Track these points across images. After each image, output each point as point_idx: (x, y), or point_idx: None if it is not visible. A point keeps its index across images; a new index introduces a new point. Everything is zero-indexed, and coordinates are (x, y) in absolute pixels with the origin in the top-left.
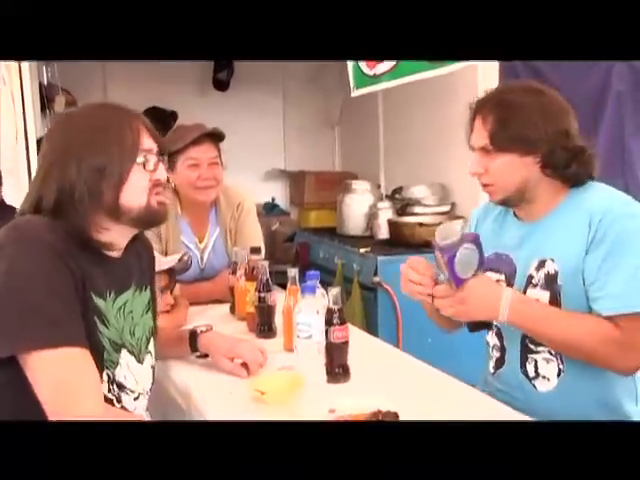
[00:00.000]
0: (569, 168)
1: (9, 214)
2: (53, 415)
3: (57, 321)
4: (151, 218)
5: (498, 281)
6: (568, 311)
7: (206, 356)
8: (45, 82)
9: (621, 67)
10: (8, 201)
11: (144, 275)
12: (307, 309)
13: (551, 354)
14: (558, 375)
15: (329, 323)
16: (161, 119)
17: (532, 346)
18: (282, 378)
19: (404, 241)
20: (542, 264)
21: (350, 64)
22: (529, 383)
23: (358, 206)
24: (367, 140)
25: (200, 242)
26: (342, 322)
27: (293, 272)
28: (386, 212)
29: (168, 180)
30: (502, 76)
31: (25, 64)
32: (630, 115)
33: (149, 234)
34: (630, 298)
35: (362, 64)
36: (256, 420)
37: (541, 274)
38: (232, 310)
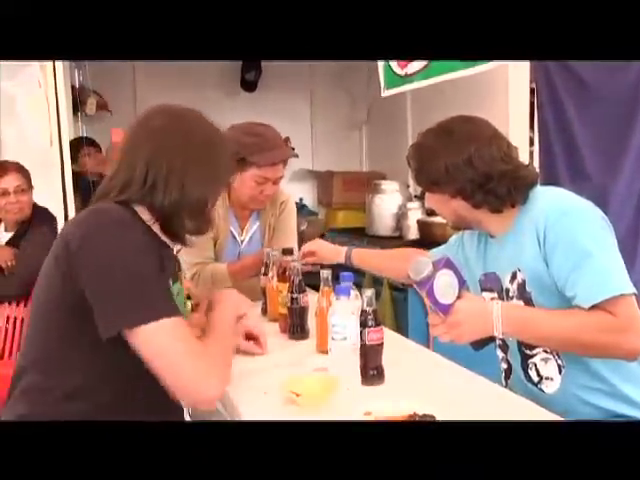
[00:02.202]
0: (485, 195)
1: (41, 216)
2: (171, 379)
3: (156, 297)
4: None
5: (492, 299)
6: (557, 309)
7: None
8: (77, 85)
9: None
10: (40, 203)
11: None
12: (342, 311)
13: (547, 352)
14: (559, 372)
15: (364, 325)
16: None
17: (527, 351)
18: (317, 380)
19: (434, 241)
20: (514, 276)
21: (381, 64)
22: (536, 388)
23: (387, 206)
24: (395, 140)
25: (240, 235)
26: (377, 324)
27: (326, 273)
28: (415, 212)
29: None
30: (533, 77)
31: (59, 67)
32: None
33: None
34: (604, 284)
35: (393, 64)
36: (288, 420)
37: (514, 285)
38: (264, 311)
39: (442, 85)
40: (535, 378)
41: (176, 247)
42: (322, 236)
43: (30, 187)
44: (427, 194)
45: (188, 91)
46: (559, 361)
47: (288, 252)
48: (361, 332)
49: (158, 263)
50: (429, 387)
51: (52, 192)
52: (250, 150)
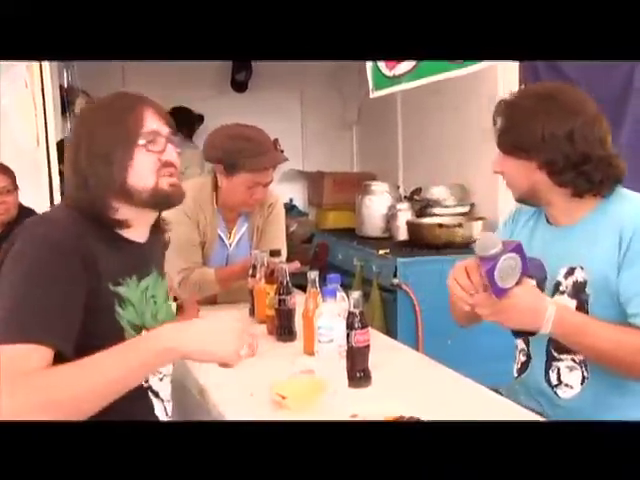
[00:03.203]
0: (576, 175)
1: (27, 217)
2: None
3: (24, 319)
4: (162, 199)
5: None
6: (608, 322)
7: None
8: (65, 85)
9: None
10: (26, 204)
11: (162, 263)
12: (328, 313)
13: (575, 362)
14: (582, 383)
15: (350, 327)
16: (187, 121)
17: (556, 353)
18: (304, 383)
19: (424, 242)
20: (571, 272)
21: (369, 65)
22: (551, 390)
23: (377, 207)
24: (385, 141)
25: (228, 237)
26: (364, 326)
27: (313, 275)
28: (405, 213)
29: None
30: (522, 77)
31: (46, 67)
32: None
33: (188, 223)
34: None
35: (381, 65)
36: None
37: (569, 282)
38: (251, 312)
39: (432, 86)
40: (554, 381)
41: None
42: (312, 237)
43: (16, 188)
44: (503, 156)
45: (178, 92)
46: (585, 373)
47: (276, 254)
48: (348, 334)
49: (66, 280)
50: (416, 389)
51: (39, 193)
52: (240, 155)
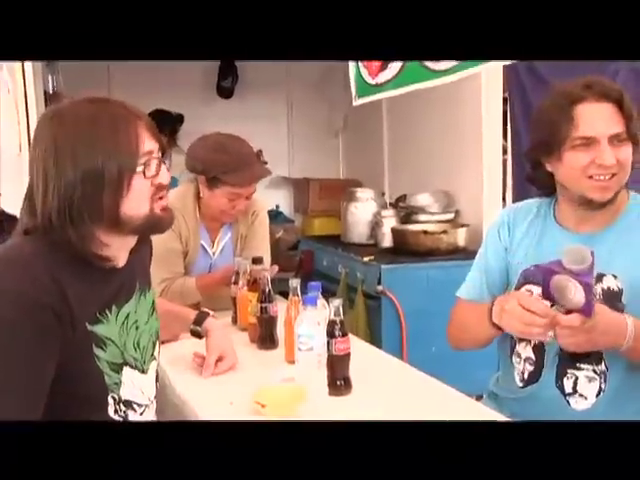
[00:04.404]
0: None
1: (10, 224)
2: None
3: None
4: (155, 226)
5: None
6: None
7: (199, 337)
8: (50, 90)
9: (624, 75)
10: (9, 210)
11: (147, 273)
12: (308, 321)
13: (596, 373)
14: (597, 395)
15: (331, 335)
16: (169, 122)
17: (574, 362)
18: (283, 391)
19: (408, 249)
20: (600, 278)
21: (352, 73)
22: (563, 399)
23: (362, 214)
24: (371, 148)
25: (212, 247)
26: (344, 334)
27: (295, 283)
28: (390, 220)
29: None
30: (506, 84)
31: (29, 71)
32: None
33: (170, 232)
34: None
35: (364, 73)
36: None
37: (598, 289)
38: (234, 320)
39: (417, 93)
40: (568, 389)
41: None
42: (297, 243)
43: None
44: (618, 143)
45: (164, 99)
46: (602, 385)
47: (258, 261)
48: (328, 342)
49: (31, 341)
50: (396, 397)
51: (21, 200)
52: (222, 169)
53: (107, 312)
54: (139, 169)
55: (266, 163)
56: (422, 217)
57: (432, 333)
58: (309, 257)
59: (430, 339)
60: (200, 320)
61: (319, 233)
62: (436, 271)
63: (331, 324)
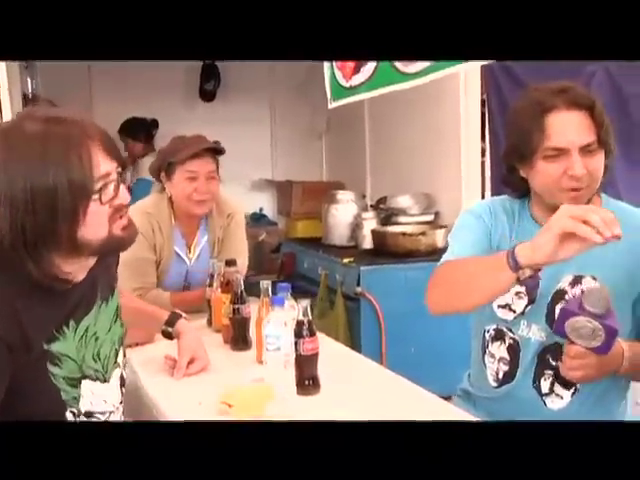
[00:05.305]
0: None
1: None
2: None
3: None
4: (115, 246)
5: (518, 294)
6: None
7: (170, 338)
8: (29, 94)
9: (601, 76)
10: None
11: (111, 280)
12: (275, 321)
13: None
14: (573, 394)
15: (298, 335)
16: (143, 128)
17: (554, 363)
18: (250, 391)
19: (388, 251)
20: (578, 280)
21: (327, 76)
22: (540, 399)
23: (343, 216)
24: (354, 150)
25: (189, 252)
26: (311, 334)
27: (266, 284)
28: (370, 222)
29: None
30: (484, 87)
31: (3, 75)
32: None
33: (142, 241)
34: None
35: (339, 76)
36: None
37: (577, 291)
38: (209, 322)
39: (397, 95)
40: (545, 390)
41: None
42: (279, 246)
43: None
44: (589, 153)
45: (146, 102)
46: (578, 384)
47: (231, 263)
48: (296, 342)
49: None
50: (366, 398)
51: None
52: (171, 151)
53: (64, 328)
54: (95, 196)
55: (222, 149)
56: (402, 219)
57: (411, 334)
58: (290, 259)
59: (409, 340)
60: (172, 321)
61: (302, 235)
62: (415, 272)
63: (299, 324)
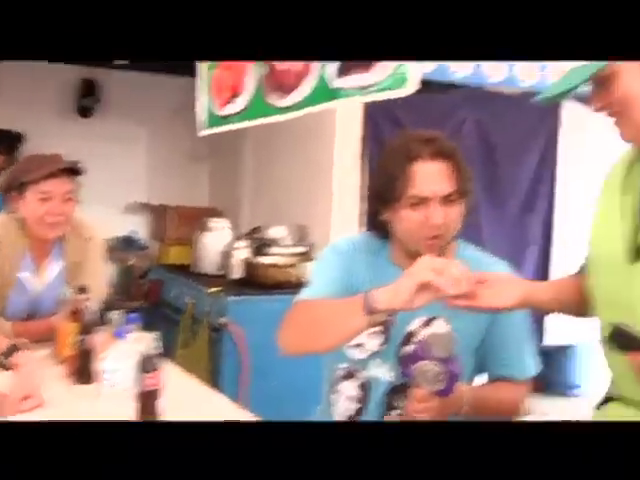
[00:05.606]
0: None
1: None
2: None
3: None
4: None
5: (373, 333)
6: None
7: (5, 369)
8: None
9: (470, 124)
10: None
11: None
12: (114, 355)
13: None
14: None
15: (142, 370)
16: (6, 141)
17: (400, 404)
18: None
19: (257, 282)
20: (429, 322)
21: (202, 102)
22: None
23: (213, 244)
24: (234, 177)
25: (38, 276)
26: (154, 369)
27: (115, 315)
28: (242, 251)
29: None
30: (365, 125)
31: None
32: (478, 171)
33: None
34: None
35: (214, 104)
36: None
37: (427, 332)
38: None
39: (279, 126)
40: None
41: None
42: (148, 271)
43: None
44: (448, 202)
45: (21, 117)
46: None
47: (83, 290)
48: (138, 377)
49: None
50: None
51: None
52: (23, 170)
53: None
54: None
55: (80, 169)
56: (274, 250)
57: (276, 366)
58: (157, 286)
59: (273, 373)
60: (9, 353)
61: (175, 262)
62: (283, 304)
63: (143, 359)
